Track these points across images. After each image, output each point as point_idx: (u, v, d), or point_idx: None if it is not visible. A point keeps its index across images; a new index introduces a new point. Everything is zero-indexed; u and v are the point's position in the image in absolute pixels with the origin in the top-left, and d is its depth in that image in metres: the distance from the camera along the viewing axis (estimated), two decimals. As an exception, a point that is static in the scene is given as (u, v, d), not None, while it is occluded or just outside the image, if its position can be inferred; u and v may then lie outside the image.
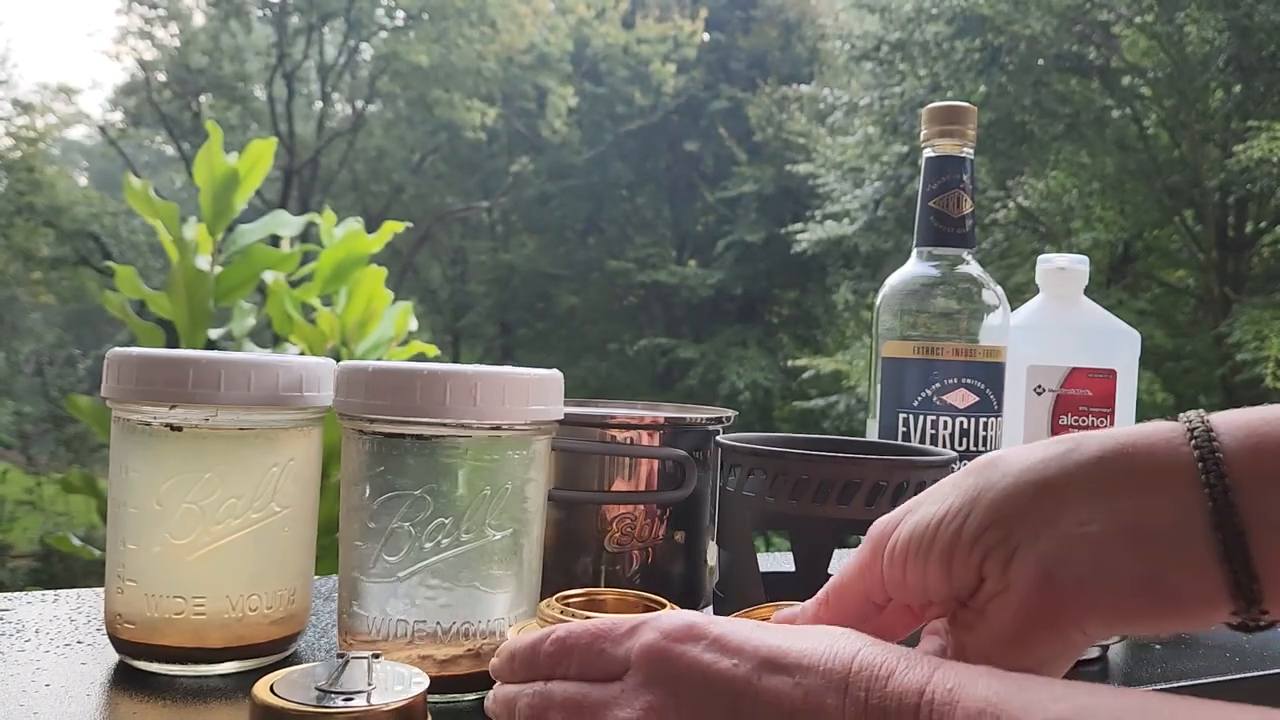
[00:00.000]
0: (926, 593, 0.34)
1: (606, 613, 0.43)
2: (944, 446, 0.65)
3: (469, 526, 0.47)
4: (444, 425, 0.46)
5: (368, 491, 0.48)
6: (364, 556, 0.48)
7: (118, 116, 9.50)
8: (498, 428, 0.47)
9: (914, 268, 0.68)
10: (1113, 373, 0.72)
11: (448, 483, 0.47)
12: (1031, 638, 0.31)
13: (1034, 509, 0.31)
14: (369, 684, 0.36)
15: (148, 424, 0.49)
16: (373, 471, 0.48)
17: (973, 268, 0.67)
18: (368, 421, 0.48)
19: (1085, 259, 0.77)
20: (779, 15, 10.25)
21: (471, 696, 0.48)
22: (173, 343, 2.89)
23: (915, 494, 0.36)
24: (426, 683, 0.37)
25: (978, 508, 0.32)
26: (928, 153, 0.68)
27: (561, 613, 0.43)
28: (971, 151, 0.67)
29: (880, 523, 0.36)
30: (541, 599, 0.47)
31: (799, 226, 8.07)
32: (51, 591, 0.64)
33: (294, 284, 2.85)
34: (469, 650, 0.47)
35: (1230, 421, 0.30)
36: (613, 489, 0.59)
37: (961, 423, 0.64)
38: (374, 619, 0.48)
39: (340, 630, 0.50)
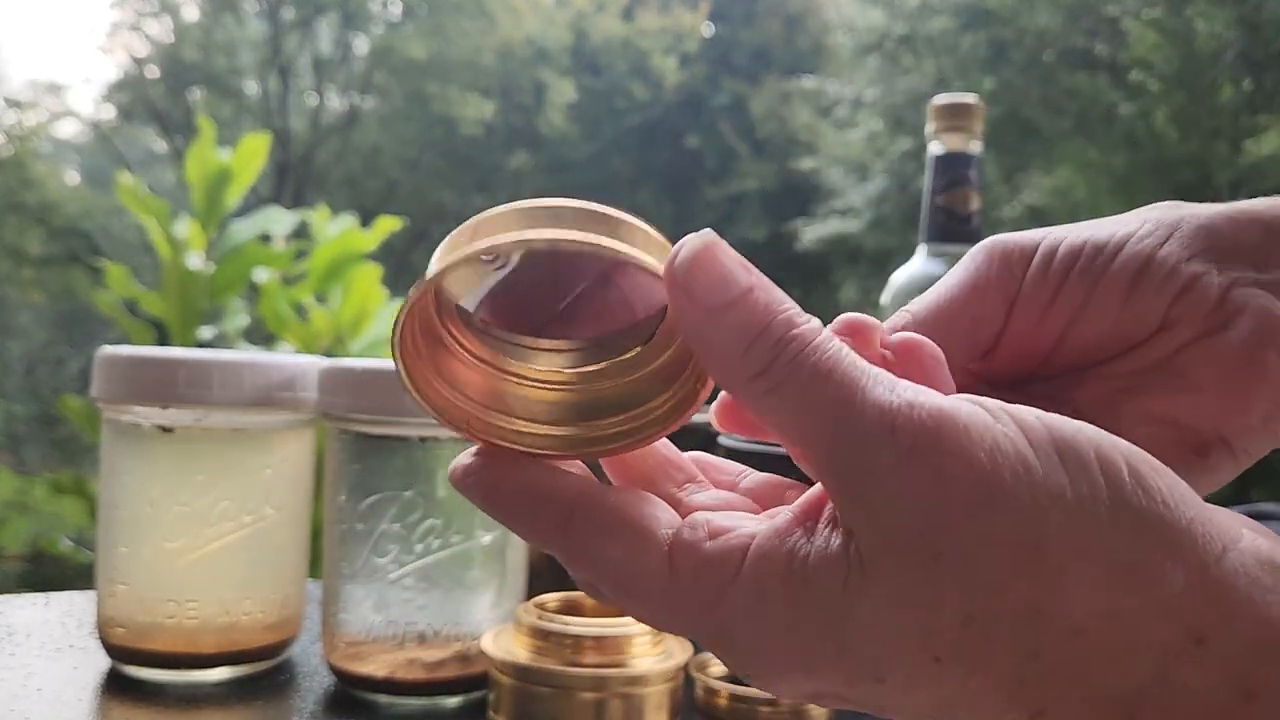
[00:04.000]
0: (1065, 333, 0.25)
1: (585, 617, 0.43)
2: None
3: (459, 528, 0.47)
4: (435, 425, 0.44)
5: (355, 494, 0.48)
6: (352, 559, 0.48)
7: (110, 112, 9.43)
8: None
9: (920, 265, 0.66)
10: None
11: (439, 484, 0.47)
12: (1252, 394, 0.24)
13: (1264, 243, 0.24)
14: None
15: (139, 425, 0.48)
16: (361, 473, 0.48)
17: None
18: (355, 423, 0.48)
19: None
20: (782, 8, 10.21)
21: (458, 699, 0.48)
22: (164, 342, 2.83)
23: None
24: None
25: (1182, 230, 0.25)
26: (934, 148, 0.66)
27: (539, 618, 0.43)
28: (979, 147, 0.66)
29: (1003, 238, 0.26)
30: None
31: (803, 223, 8.05)
32: (42, 595, 0.63)
33: (287, 282, 2.79)
34: (456, 653, 0.47)
35: None
36: (612, 492, 0.57)
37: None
38: (362, 622, 0.47)
39: (325, 634, 0.50)
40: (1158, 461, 0.19)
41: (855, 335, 0.24)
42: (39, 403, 7.29)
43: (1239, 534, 0.19)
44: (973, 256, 0.26)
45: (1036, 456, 0.18)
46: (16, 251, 7.61)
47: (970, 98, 0.66)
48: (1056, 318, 0.25)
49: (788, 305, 0.20)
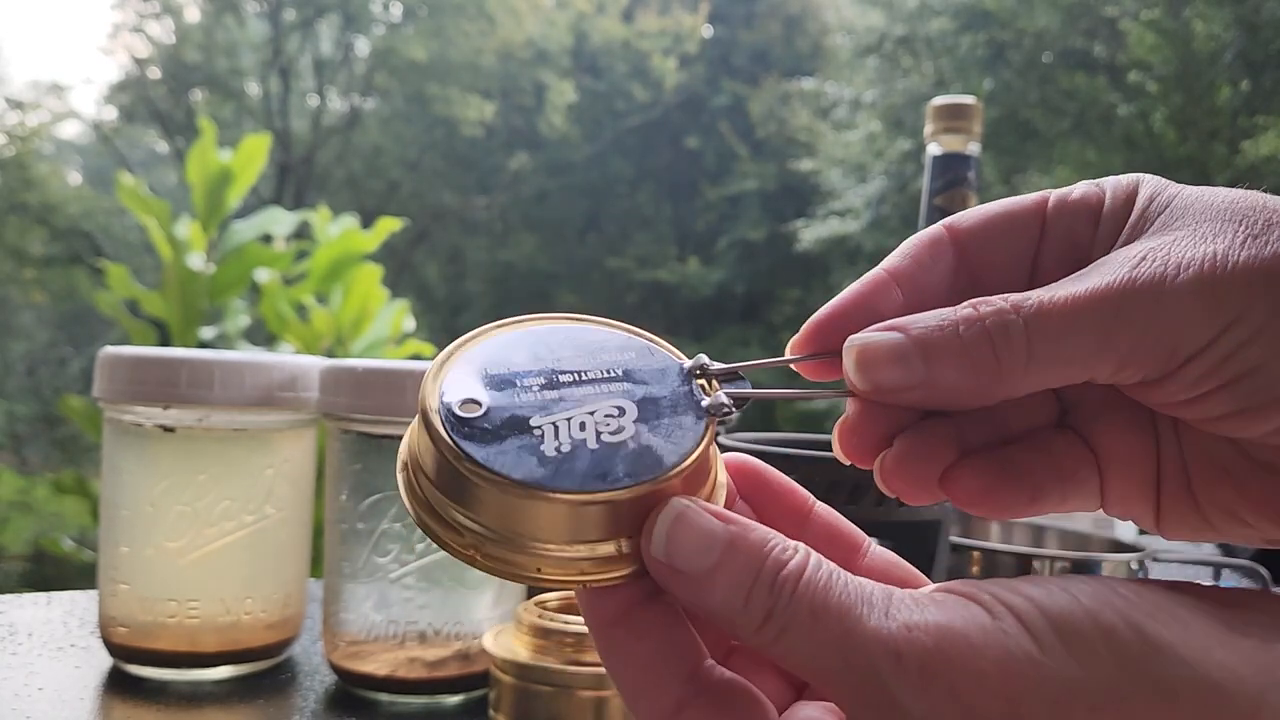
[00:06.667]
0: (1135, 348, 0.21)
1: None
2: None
3: (461, 527, 0.47)
4: None
5: (356, 493, 0.48)
6: (353, 558, 0.48)
7: (111, 113, 9.43)
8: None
9: None
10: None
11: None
12: None
13: None
14: None
15: (140, 425, 0.48)
16: (362, 473, 0.48)
17: None
18: (356, 422, 0.48)
19: None
20: (781, 9, 10.21)
21: (459, 697, 0.48)
22: (165, 342, 2.83)
23: None
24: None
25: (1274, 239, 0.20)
26: (932, 149, 0.66)
27: (540, 616, 0.43)
28: (977, 148, 0.66)
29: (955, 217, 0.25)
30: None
31: (802, 224, 8.04)
32: (45, 594, 0.63)
33: (288, 282, 2.79)
34: (457, 651, 0.47)
35: None
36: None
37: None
38: (363, 621, 0.48)
39: (326, 633, 0.50)
40: (1160, 598, 0.19)
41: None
42: (41, 403, 7.29)
43: (1272, 663, 0.18)
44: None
45: (1043, 651, 0.18)
46: (18, 252, 7.60)
47: (969, 99, 0.66)
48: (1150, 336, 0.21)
49: (772, 541, 0.20)
